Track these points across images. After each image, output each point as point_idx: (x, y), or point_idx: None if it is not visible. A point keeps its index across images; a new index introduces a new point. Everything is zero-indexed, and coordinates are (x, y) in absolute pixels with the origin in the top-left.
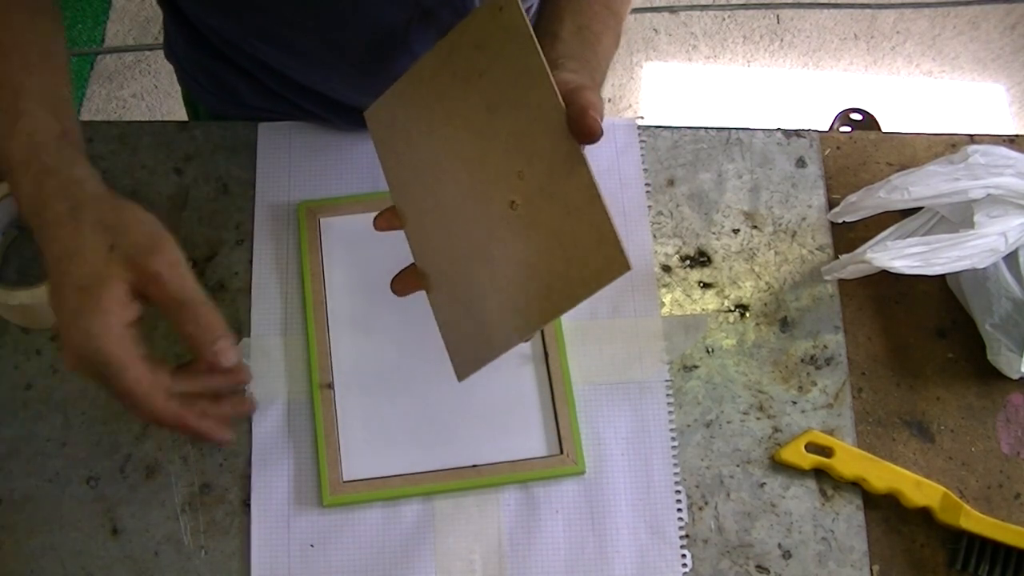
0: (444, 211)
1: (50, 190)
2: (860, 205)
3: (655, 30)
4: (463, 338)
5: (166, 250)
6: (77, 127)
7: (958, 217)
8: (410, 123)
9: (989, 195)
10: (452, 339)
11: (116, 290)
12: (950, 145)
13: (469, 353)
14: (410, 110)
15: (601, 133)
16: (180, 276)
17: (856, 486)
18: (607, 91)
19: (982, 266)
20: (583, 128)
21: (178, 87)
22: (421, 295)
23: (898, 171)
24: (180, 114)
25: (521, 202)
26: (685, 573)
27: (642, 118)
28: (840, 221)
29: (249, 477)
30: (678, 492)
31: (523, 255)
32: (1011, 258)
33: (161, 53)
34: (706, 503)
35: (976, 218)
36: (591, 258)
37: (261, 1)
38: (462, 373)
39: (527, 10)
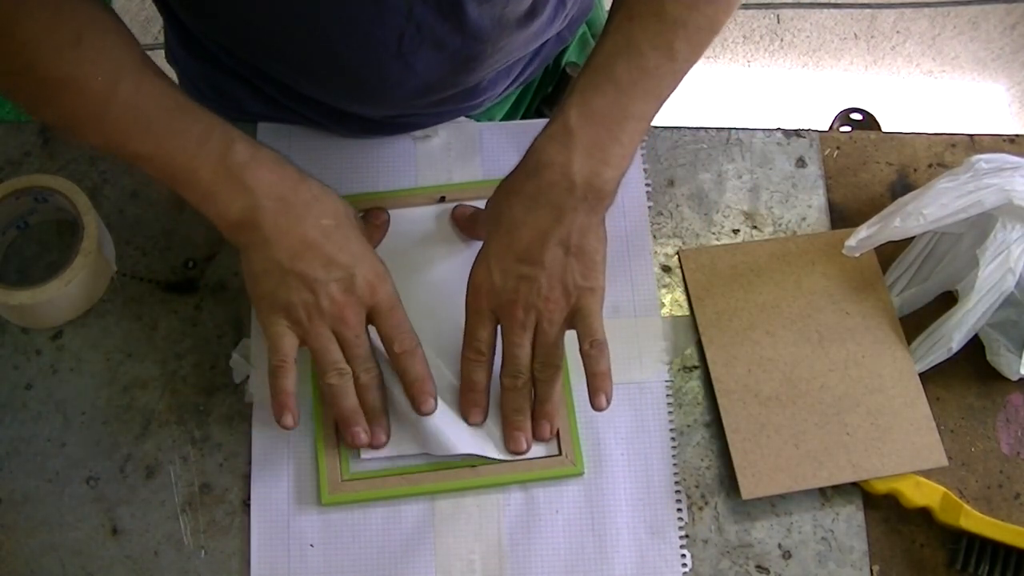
0: None
1: (293, 174)
2: (876, 238)
3: None
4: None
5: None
6: None
7: (967, 229)
8: None
9: (1009, 202)
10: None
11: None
12: (950, 145)
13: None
14: None
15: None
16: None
17: (856, 486)
18: None
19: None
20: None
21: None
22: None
23: (898, 171)
24: None
25: None
26: (685, 573)
27: None
28: (857, 256)
29: (249, 477)
30: (678, 492)
31: None
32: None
33: (162, 53)
34: (706, 503)
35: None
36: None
37: (254, 15)
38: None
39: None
